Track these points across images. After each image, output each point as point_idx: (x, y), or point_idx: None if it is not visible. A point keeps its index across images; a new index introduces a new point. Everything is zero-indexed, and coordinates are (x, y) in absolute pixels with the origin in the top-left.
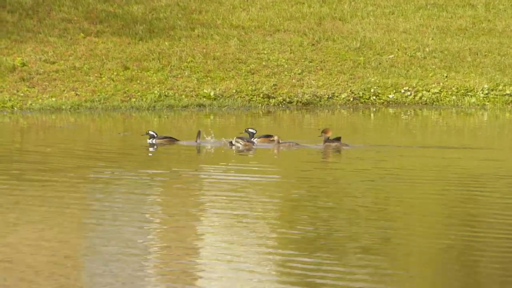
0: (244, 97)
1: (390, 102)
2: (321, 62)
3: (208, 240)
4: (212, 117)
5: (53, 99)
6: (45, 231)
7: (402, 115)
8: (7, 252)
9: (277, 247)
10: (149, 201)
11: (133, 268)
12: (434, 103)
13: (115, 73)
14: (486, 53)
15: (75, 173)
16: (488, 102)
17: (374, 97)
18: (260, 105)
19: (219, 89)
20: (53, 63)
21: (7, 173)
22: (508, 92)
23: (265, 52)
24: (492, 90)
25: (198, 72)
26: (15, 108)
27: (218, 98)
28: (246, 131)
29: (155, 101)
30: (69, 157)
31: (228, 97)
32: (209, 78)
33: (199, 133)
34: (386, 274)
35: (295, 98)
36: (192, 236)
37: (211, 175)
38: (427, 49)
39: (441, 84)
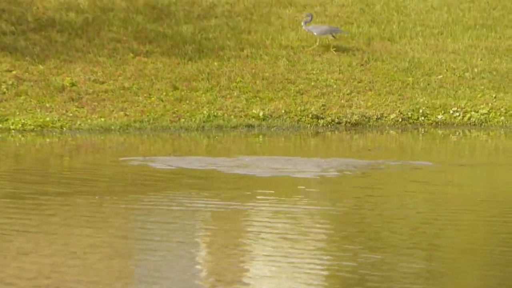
0: (293, 117)
1: (439, 123)
2: (370, 82)
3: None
4: (261, 137)
5: (102, 119)
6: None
7: (450, 136)
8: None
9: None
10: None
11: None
12: (483, 124)
13: (164, 93)
14: None
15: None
16: None
17: (422, 118)
18: (309, 125)
19: (268, 109)
20: (102, 83)
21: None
22: None
23: (314, 72)
24: None
25: (247, 92)
26: (64, 128)
27: (267, 119)
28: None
29: (204, 122)
30: (120, 179)
31: (277, 117)
32: (258, 99)
33: None
34: None
35: (344, 119)
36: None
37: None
38: (475, 70)
39: (490, 104)
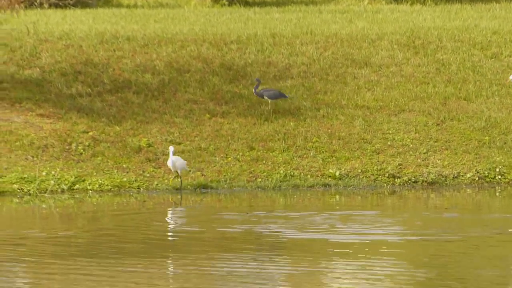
0: (369, 176)
1: None
2: (446, 141)
3: None
4: (337, 197)
5: (179, 179)
6: None
7: None
8: None
9: None
10: None
11: None
12: None
13: (240, 154)
14: None
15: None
16: None
17: (499, 177)
18: (385, 184)
19: (345, 169)
20: (179, 143)
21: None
22: None
23: (390, 132)
24: None
25: (323, 152)
26: (141, 189)
27: (344, 178)
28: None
29: (280, 181)
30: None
31: (353, 177)
32: (334, 158)
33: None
34: None
35: (420, 178)
36: None
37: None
38: None
39: None
